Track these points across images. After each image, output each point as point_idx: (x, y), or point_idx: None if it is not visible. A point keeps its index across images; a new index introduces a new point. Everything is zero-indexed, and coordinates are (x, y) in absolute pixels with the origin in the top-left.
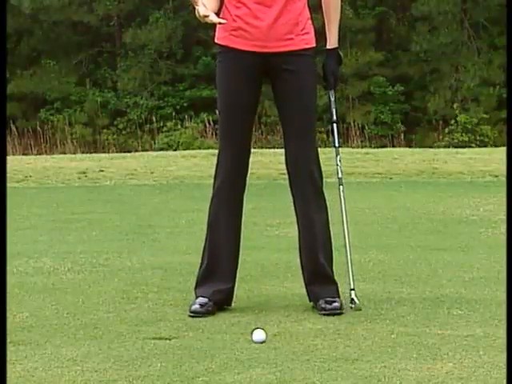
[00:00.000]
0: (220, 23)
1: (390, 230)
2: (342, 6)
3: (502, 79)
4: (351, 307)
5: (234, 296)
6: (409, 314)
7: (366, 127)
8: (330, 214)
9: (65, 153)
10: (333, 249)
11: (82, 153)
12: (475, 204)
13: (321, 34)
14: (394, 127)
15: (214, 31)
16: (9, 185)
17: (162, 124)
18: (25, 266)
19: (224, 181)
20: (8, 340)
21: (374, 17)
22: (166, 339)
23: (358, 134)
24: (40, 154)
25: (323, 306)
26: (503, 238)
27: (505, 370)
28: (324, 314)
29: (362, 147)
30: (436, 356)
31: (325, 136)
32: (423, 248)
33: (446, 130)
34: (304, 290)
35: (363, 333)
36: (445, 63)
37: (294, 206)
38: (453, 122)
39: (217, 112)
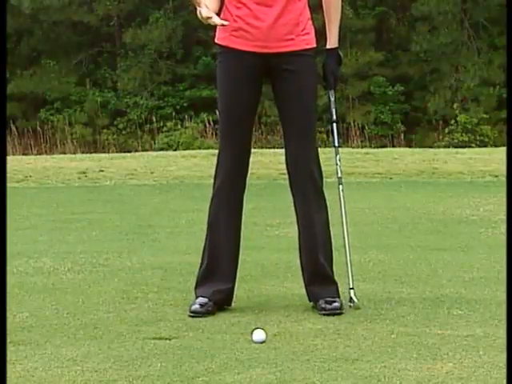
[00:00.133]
0: (222, 25)
1: (390, 230)
2: (342, 6)
3: (502, 79)
4: (350, 306)
5: (234, 296)
6: (409, 314)
7: (366, 127)
8: (329, 214)
9: (65, 153)
10: (333, 249)
11: (82, 153)
12: (475, 204)
13: (321, 34)
14: (394, 127)
15: (215, 31)
16: (9, 185)
17: (161, 124)
18: (25, 265)
19: (224, 181)
20: (8, 340)
21: (374, 17)
22: (166, 339)
23: (357, 134)
24: (40, 154)
25: (323, 306)
26: (503, 238)
27: (505, 370)
28: (324, 314)
29: (362, 147)
30: (436, 356)
31: (325, 136)
32: (423, 248)
33: (446, 130)
34: (303, 290)
35: (363, 333)
36: (445, 63)
37: (294, 206)
38: (453, 121)
39: (217, 112)
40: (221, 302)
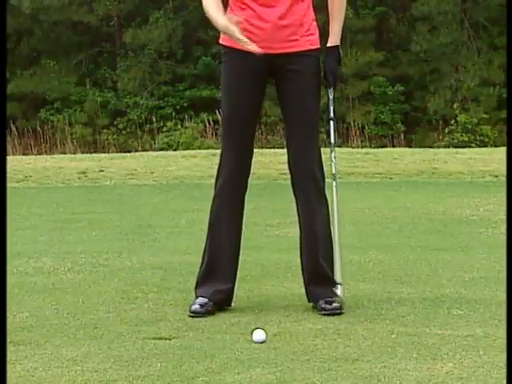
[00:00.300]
0: (256, 52)
1: (390, 230)
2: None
3: (502, 79)
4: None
5: (234, 296)
6: (409, 314)
7: (366, 127)
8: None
9: (65, 153)
10: (333, 249)
11: (82, 153)
12: (475, 204)
13: (324, 35)
14: (394, 127)
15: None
16: (9, 185)
17: (161, 124)
18: (25, 265)
19: (226, 180)
20: (8, 340)
21: (374, 17)
22: (166, 339)
23: (357, 134)
24: (40, 154)
25: (323, 306)
26: (503, 238)
27: (505, 370)
28: (324, 314)
29: (362, 147)
30: (436, 356)
31: (325, 136)
32: (423, 248)
33: (446, 130)
34: (303, 290)
35: (363, 333)
36: (445, 63)
37: (296, 206)
38: (453, 121)
39: (220, 112)
40: (221, 302)
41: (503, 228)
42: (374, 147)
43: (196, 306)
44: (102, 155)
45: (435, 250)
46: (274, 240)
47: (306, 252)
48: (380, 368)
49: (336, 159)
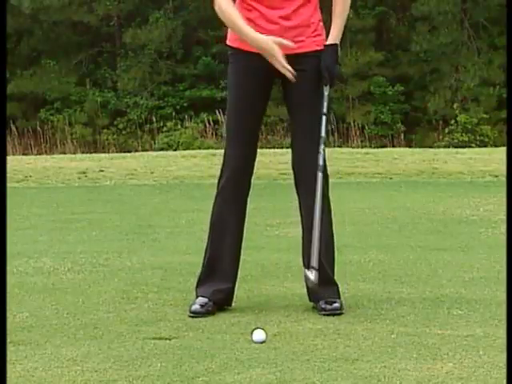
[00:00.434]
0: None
1: (390, 230)
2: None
3: (502, 79)
4: (309, 278)
5: (234, 296)
6: (409, 314)
7: (366, 127)
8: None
9: (65, 153)
10: (335, 251)
11: (82, 153)
12: (475, 204)
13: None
14: (394, 127)
15: (226, 33)
16: (9, 185)
17: (161, 124)
18: (25, 265)
19: (229, 180)
20: (8, 340)
21: (374, 17)
22: (166, 339)
23: (357, 134)
24: (40, 154)
25: (323, 306)
26: (503, 238)
27: (505, 370)
28: (324, 315)
29: (362, 147)
30: (436, 356)
31: (330, 136)
32: (423, 248)
33: (446, 130)
34: (304, 290)
35: (363, 333)
36: (445, 63)
37: (299, 206)
38: (453, 121)
39: (220, 112)
40: (221, 302)
41: (503, 228)
42: (374, 147)
43: (196, 306)
44: (102, 155)
45: (435, 250)
46: (274, 240)
47: (308, 252)
48: (380, 368)
49: (325, 152)
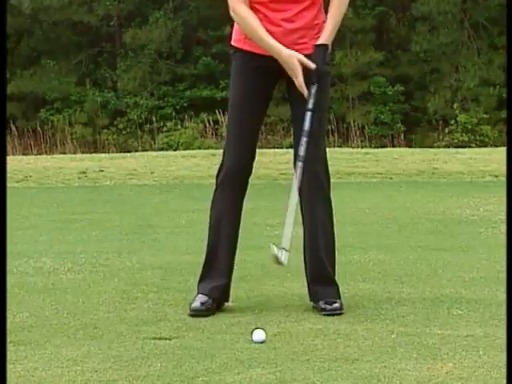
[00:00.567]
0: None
1: (390, 230)
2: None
3: (502, 79)
4: (277, 257)
5: (234, 296)
6: (409, 314)
7: (366, 127)
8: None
9: (65, 153)
10: (336, 250)
11: (82, 153)
12: (475, 204)
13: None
14: (393, 127)
15: (230, 34)
16: (9, 185)
17: (162, 124)
18: (25, 266)
19: (227, 179)
20: (8, 340)
21: (374, 17)
22: (166, 339)
23: (357, 134)
24: (40, 154)
25: (323, 306)
26: (503, 238)
27: (505, 370)
28: (324, 315)
29: (362, 147)
30: (436, 356)
31: (330, 137)
32: (423, 248)
33: (446, 130)
34: (304, 290)
35: (363, 333)
36: (445, 63)
37: (300, 206)
38: (453, 121)
39: (220, 112)
40: (219, 299)
41: (503, 228)
42: (374, 147)
43: (197, 304)
44: (102, 155)
45: (435, 250)
46: (274, 240)
47: (309, 252)
48: (380, 368)
49: (306, 144)
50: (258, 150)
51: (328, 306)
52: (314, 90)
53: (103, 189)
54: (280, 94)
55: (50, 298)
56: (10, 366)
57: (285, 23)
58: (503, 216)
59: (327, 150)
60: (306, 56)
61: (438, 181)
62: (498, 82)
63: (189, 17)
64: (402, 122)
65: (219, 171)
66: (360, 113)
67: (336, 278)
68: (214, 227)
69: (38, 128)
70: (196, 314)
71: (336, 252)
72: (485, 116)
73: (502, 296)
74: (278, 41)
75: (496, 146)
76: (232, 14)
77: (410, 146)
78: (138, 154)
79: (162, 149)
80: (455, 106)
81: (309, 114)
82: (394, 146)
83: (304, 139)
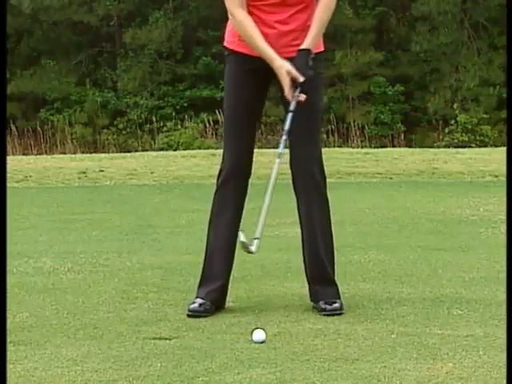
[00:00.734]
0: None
1: (390, 230)
2: (331, 15)
3: (502, 79)
4: (246, 245)
5: (234, 296)
6: (409, 314)
7: (366, 127)
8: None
9: (65, 153)
10: (334, 250)
11: (82, 153)
12: (475, 204)
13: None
14: (393, 127)
15: (223, 34)
16: (9, 185)
17: (162, 124)
18: (25, 266)
19: (227, 180)
20: (8, 340)
21: (374, 17)
22: (166, 339)
23: (357, 134)
24: (40, 154)
25: (323, 306)
26: (503, 238)
27: (505, 370)
28: (324, 315)
29: (362, 147)
30: (436, 356)
31: (324, 136)
32: (423, 248)
33: (446, 130)
34: (304, 290)
35: (363, 333)
36: (445, 63)
37: (297, 207)
38: (453, 121)
39: (221, 112)
40: (216, 302)
41: (503, 228)
42: (374, 147)
43: (194, 305)
44: (102, 155)
45: (435, 250)
46: (274, 240)
47: (308, 253)
48: (380, 368)
49: (284, 142)
50: (257, 150)
51: (328, 307)
52: (296, 93)
53: (103, 189)
54: (280, 94)
55: (50, 298)
56: (10, 366)
57: (279, 25)
58: (503, 216)
59: (327, 150)
60: (294, 58)
61: (438, 181)
62: (498, 82)
63: (189, 17)
64: (402, 122)
65: (219, 174)
66: (360, 113)
67: (336, 277)
68: (213, 229)
69: (38, 128)
70: (194, 314)
71: (335, 252)
72: (485, 116)
73: (502, 296)
74: (272, 42)
75: (496, 146)
76: (230, 17)
77: (410, 146)
78: (138, 154)
79: (162, 149)
80: (455, 105)
81: (289, 115)
82: (394, 146)
83: (284, 137)
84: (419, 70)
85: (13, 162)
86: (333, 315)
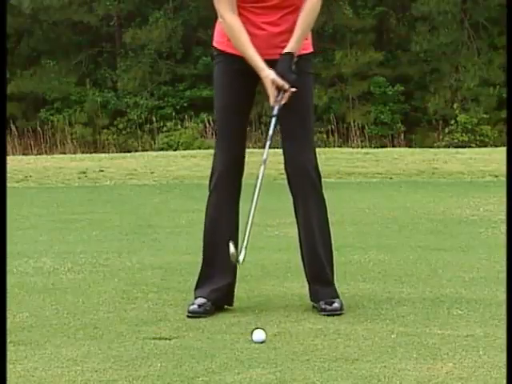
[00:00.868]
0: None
1: (390, 230)
2: (316, 19)
3: (502, 79)
4: (236, 258)
5: (234, 296)
6: (409, 314)
7: (366, 127)
8: (328, 213)
9: (65, 153)
10: (332, 249)
11: (82, 153)
12: (475, 204)
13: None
14: (393, 127)
15: (213, 33)
16: (9, 185)
17: (162, 124)
18: (25, 266)
19: (220, 180)
20: (8, 340)
21: (374, 17)
22: (166, 339)
23: (357, 134)
24: (40, 154)
25: (323, 306)
26: (503, 238)
27: (505, 370)
28: (324, 315)
29: (362, 147)
30: (436, 356)
31: (324, 136)
32: (423, 248)
33: (446, 130)
34: (304, 290)
35: (363, 333)
36: (445, 63)
37: (294, 207)
38: (453, 121)
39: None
40: (219, 301)
41: (503, 228)
42: (374, 147)
43: (194, 306)
44: (102, 155)
45: (435, 250)
46: (274, 240)
47: (306, 252)
48: (380, 368)
49: (268, 148)
50: (258, 150)
51: (328, 307)
52: (279, 97)
53: (103, 189)
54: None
55: (50, 298)
56: (9, 366)
57: (269, 26)
58: (503, 216)
59: (327, 150)
60: (277, 62)
61: (438, 181)
62: (498, 82)
63: (189, 17)
64: (402, 122)
65: (211, 176)
66: (360, 113)
67: (336, 277)
68: (210, 232)
69: (38, 128)
70: (193, 315)
71: (335, 252)
72: (485, 116)
73: (502, 296)
74: (261, 44)
75: (496, 146)
76: (219, 19)
77: (410, 146)
78: (138, 153)
79: (161, 149)
80: (455, 105)
81: (273, 119)
82: (394, 146)
83: (268, 143)
84: (419, 70)
85: (13, 161)
86: (333, 315)
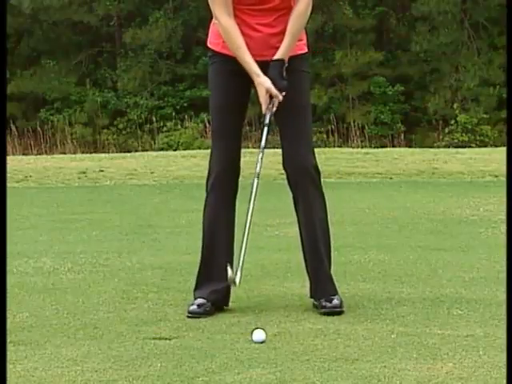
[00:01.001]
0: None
1: (390, 230)
2: (307, 23)
3: (502, 79)
4: (232, 280)
5: (234, 296)
6: (409, 314)
7: (366, 127)
8: (328, 213)
9: (65, 153)
10: (331, 247)
11: (82, 153)
12: (475, 204)
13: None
14: (393, 127)
15: (207, 34)
16: (9, 185)
17: (162, 124)
18: (25, 266)
19: (217, 180)
20: (8, 340)
21: (374, 17)
22: (166, 339)
23: (357, 134)
24: (40, 154)
25: (323, 304)
26: (503, 238)
27: (505, 370)
28: (324, 313)
29: (362, 147)
30: (436, 356)
31: (324, 136)
32: (423, 248)
33: (446, 130)
34: (304, 290)
35: (363, 333)
36: (445, 63)
37: (294, 206)
38: (453, 121)
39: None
40: (218, 303)
41: (503, 228)
42: (374, 147)
43: (194, 307)
44: (102, 155)
45: (435, 250)
46: (274, 240)
47: (307, 250)
48: (380, 368)
49: (262, 161)
50: (257, 150)
51: (328, 304)
52: (270, 105)
53: (103, 189)
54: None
55: (50, 298)
56: (9, 366)
57: (264, 28)
58: (503, 216)
59: (327, 150)
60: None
61: (438, 181)
62: (498, 82)
63: (189, 17)
64: (402, 122)
65: (208, 177)
66: (360, 113)
67: (336, 277)
68: (208, 232)
69: (38, 128)
70: (193, 316)
71: (333, 251)
72: (485, 116)
73: (502, 296)
74: (256, 45)
75: (496, 146)
76: (215, 20)
77: (410, 146)
78: (138, 154)
79: (162, 149)
80: (455, 105)
81: (265, 129)
82: (394, 146)
83: (261, 155)
84: (419, 70)
85: (13, 162)
86: (333, 314)
